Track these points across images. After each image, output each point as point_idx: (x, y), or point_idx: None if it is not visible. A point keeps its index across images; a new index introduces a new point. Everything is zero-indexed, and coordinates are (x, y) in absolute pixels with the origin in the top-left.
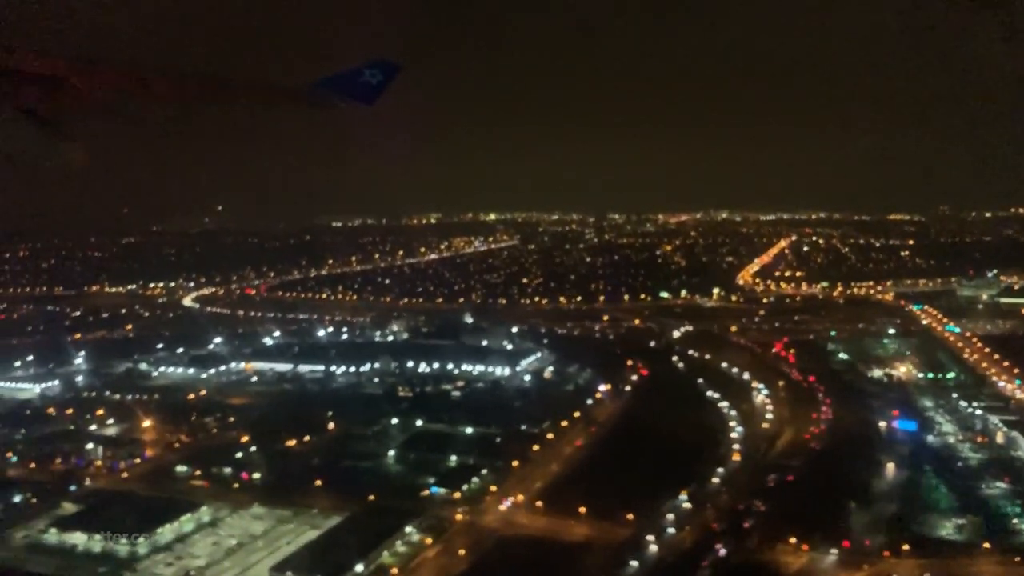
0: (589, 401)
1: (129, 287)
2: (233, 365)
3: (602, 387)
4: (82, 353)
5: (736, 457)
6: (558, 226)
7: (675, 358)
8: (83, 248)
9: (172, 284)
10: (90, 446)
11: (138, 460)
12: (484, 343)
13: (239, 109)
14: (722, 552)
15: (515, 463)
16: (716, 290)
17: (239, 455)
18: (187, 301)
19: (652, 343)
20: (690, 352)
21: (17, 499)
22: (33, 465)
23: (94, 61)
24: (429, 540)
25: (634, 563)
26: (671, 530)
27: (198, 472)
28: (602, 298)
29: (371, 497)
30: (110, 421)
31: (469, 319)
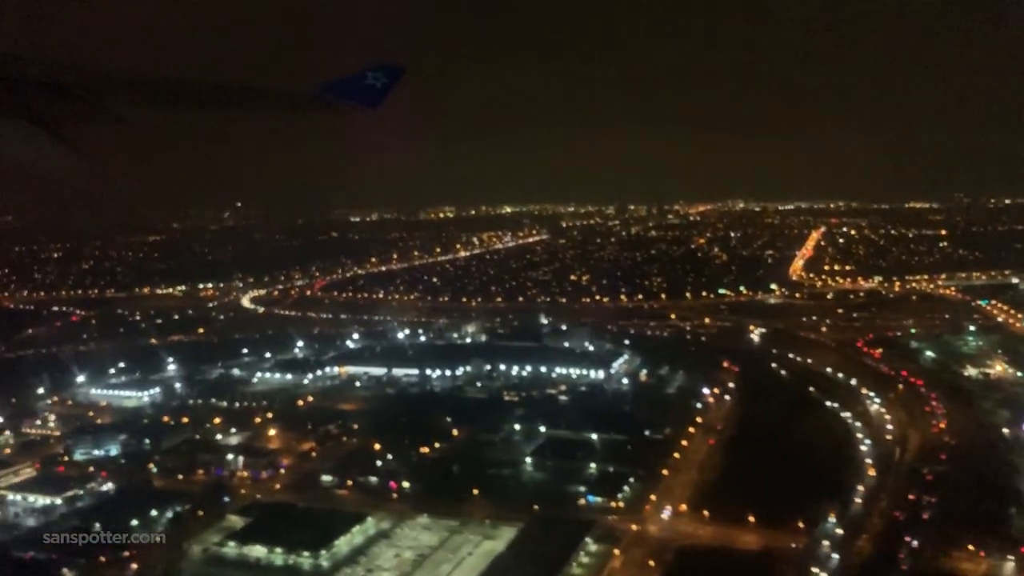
0: (699, 405)
1: (179, 288)
2: (328, 370)
3: (705, 390)
4: (170, 359)
5: (872, 462)
6: (579, 219)
7: (767, 359)
8: (114, 247)
9: (223, 285)
10: (229, 457)
11: (281, 471)
12: (567, 345)
13: (245, 112)
14: (915, 544)
15: (664, 471)
16: (774, 286)
17: (379, 463)
18: (245, 302)
19: (744, 344)
20: (777, 351)
21: (178, 510)
22: (180, 477)
23: (103, 69)
24: (616, 551)
25: (830, 566)
26: (848, 533)
27: (349, 482)
28: (663, 296)
29: (535, 507)
30: (232, 430)
31: (545, 320)
